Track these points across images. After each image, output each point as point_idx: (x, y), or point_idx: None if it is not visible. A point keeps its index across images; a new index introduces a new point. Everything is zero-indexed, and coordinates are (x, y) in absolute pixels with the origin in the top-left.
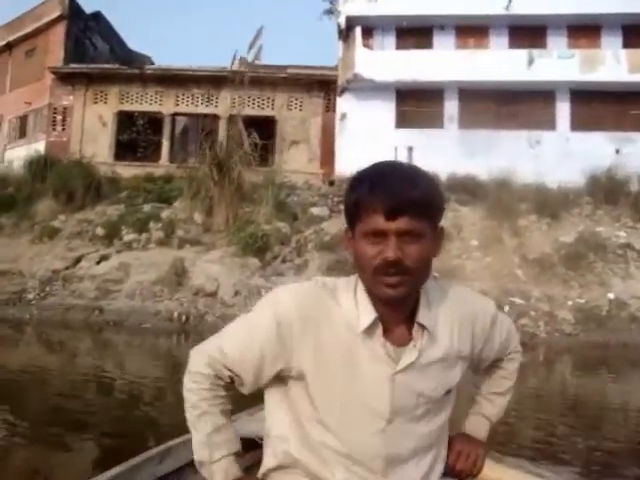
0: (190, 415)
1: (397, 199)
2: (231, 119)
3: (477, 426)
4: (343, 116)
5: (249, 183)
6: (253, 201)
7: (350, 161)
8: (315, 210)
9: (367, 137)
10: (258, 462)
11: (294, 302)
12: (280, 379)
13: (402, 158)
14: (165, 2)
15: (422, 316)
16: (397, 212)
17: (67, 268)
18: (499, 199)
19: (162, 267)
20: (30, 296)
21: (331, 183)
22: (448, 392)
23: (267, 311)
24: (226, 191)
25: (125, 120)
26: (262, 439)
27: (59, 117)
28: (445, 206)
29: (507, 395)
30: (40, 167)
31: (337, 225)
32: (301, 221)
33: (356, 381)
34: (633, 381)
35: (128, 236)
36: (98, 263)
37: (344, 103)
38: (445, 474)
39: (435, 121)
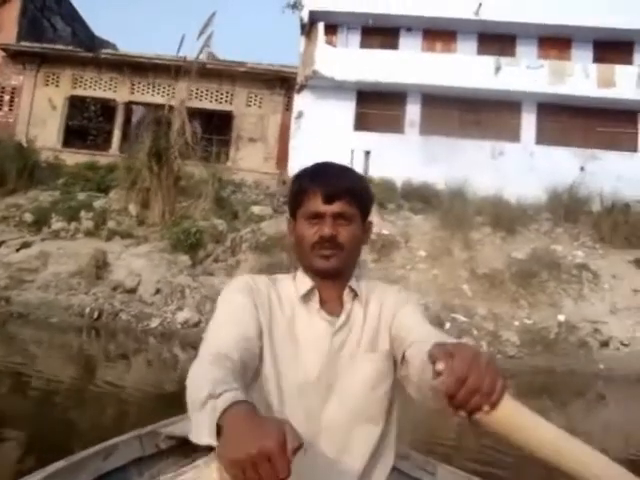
0: (189, 388)
1: (334, 186)
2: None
3: None
4: (300, 114)
5: (192, 177)
6: (193, 196)
7: (304, 162)
8: (256, 209)
9: (323, 138)
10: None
11: (249, 279)
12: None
13: (358, 162)
14: None
15: (352, 283)
16: (333, 197)
17: None
18: (453, 209)
19: (84, 259)
20: None
21: (284, 183)
22: (384, 361)
23: (235, 285)
24: (164, 183)
25: (77, 105)
26: None
27: (6, 97)
28: (373, 202)
29: None
30: None
31: (276, 226)
32: (240, 220)
33: (297, 350)
34: (576, 412)
35: (57, 224)
36: (18, 250)
37: (301, 101)
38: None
39: (395, 125)
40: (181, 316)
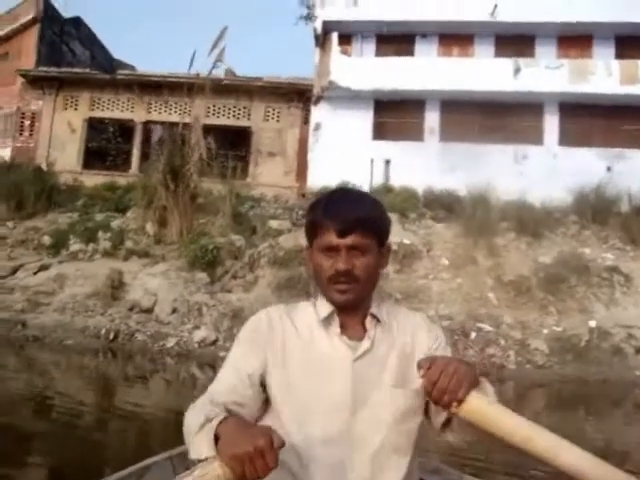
0: (186, 425)
1: (347, 219)
2: (204, 129)
3: None
4: (317, 126)
5: (211, 194)
6: (211, 213)
7: (323, 174)
8: (274, 223)
9: (342, 149)
10: None
11: (263, 316)
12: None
13: (378, 172)
14: (150, 13)
15: (374, 310)
16: (347, 230)
17: (3, 278)
18: (476, 216)
19: (101, 280)
20: None
21: (303, 196)
22: (413, 392)
23: (244, 330)
24: (180, 201)
25: (96, 127)
26: None
27: (27, 122)
28: (390, 226)
29: None
30: (2, 174)
31: (294, 239)
32: (258, 235)
33: (318, 373)
34: (614, 424)
35: (75, 246)
36: (35, 274)
37: (318, 113)
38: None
39: (415, 133)
40: (198, 335)
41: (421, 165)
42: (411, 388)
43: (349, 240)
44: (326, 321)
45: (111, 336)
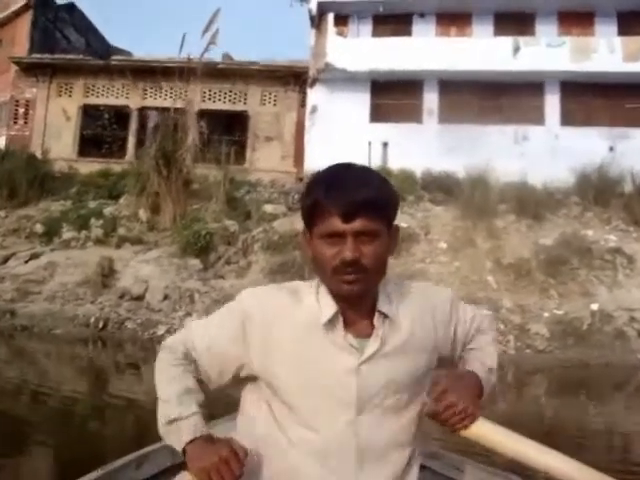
0: (159, 381)
1: (352, 201)
2: (200, 114)
3: (474, 367)
4: (314, 109)
5: (206, 179)
6: (205, 198)
7: (320, 157)
8: (269, 207)
9: (339, 132)
10: None
11: (256, 303)
12: (251, 379)
13: (376, 154)
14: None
15: (382, 305)
16: (353, 214)
17: None
18: (475, 198)
19: (92, 267)
20: None
21: (301, 180)
22: (417, 382)
23: (232, 311)
24: (173, 187)
25: (91, 114)
26: None
27: (21, 110)
28: (399, 204)
29: (493, 344)
30: None
31: (289, 224)
32: (253, 219)
33: (321, 374)
34: (616, 408)
35: (67, 234)
36: (27, 262)
37: (315, 95)
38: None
39: (413, 115)
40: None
41: (419, 147)
42: (417, 382)
43: (356, 225)
44: (330, 323)
45: (100, 325)
